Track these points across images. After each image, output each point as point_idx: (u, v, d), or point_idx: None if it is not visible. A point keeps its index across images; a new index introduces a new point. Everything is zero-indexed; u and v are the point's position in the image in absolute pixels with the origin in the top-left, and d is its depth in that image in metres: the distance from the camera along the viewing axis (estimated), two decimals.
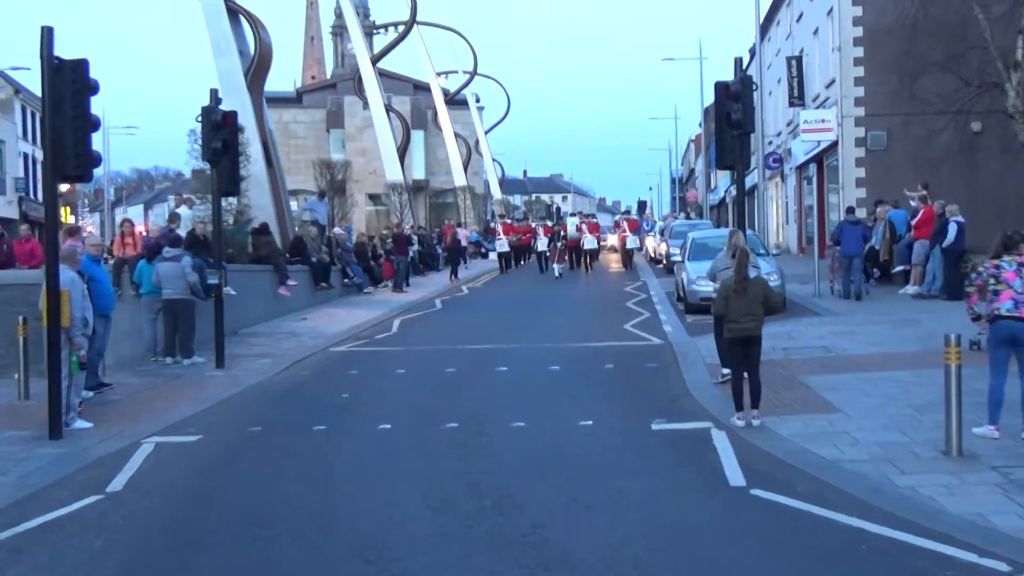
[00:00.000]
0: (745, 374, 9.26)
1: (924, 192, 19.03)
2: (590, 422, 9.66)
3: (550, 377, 12.45)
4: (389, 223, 36.92)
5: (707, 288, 17.61)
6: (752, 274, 9.44)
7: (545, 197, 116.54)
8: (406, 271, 27.12)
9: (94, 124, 9.42)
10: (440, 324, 19.34)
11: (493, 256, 36.35)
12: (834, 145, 27.10)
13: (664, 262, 32.46)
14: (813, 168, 32.06)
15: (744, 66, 13.46)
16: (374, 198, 53.66)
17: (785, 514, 6.69)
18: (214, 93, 13.74)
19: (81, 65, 9.31)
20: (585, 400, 10.84)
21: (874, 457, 7.91)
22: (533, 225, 41.44)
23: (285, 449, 9.15)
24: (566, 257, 32.04)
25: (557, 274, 29.25)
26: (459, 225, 42.64)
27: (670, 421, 9.59)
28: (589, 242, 31.98)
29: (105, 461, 8.89)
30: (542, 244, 32.31)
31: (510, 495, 7.33)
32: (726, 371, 11.21)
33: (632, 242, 33.86)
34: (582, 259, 32.26)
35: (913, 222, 19.00)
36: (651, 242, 37.97)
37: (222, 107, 13.97)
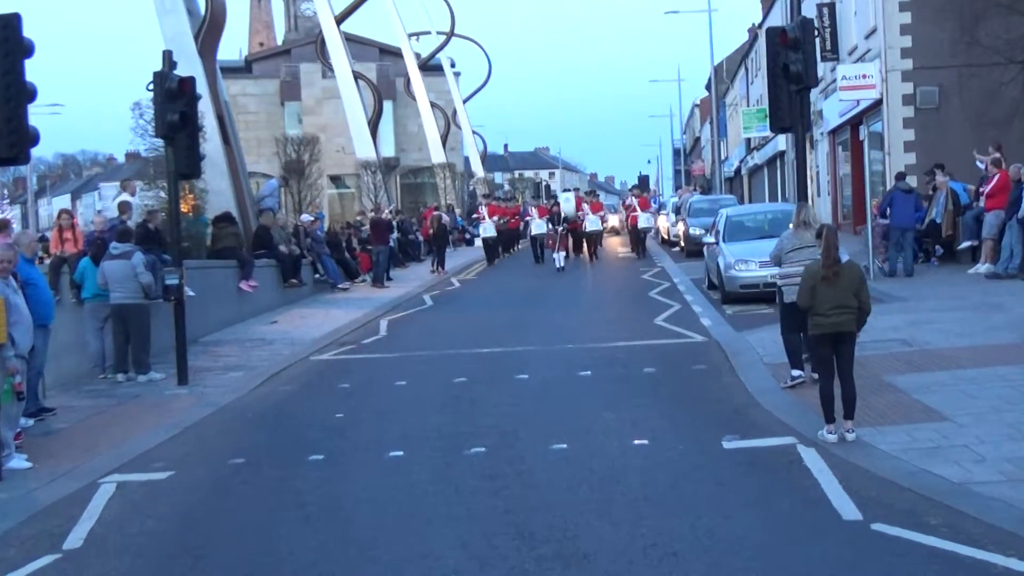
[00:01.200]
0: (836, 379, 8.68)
1: (997, 155, 18.47)
2: (646, 441, 9.21)
3: (583, 385, 12.07)
4: (363, 208, 36.18)
5: (749, 274, 17.41)
6: (843, 257, 8.82)
7: (530, 174, 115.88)
8: (387, 263, 26.62)
9: (30, 94, 8.70)
10: (436, 324, 19.14)
11: (479, 243, 35.00)
12: (876, 105, 26.66)
13: (682, 244, 32.10)
14: (849, 132, 31.58)
15: (793, 7, 12.89)
16: (336, 180, 52.98)
17: (921, 555, 6.13)
18: (168, 55, 13.11)
19: (12, 21, 8.55)
20: (632, 413, 10.40)
21: (1011, 477, 7.34)
22: (523, 205, 40.56)
23: (279, 486, 8.60)
24: (568, 244, 30.65)
25: (559, 265, 27.59)
26: (446, 209, 41.93)
27: (744, 437, 9.11)
28: (591, 223, 30.85)
29: (57, 509, 8.27)
30: (536, 227, 30.82)
31: (570, 539, 6.74)
32: (796, 373, 10.82)
33: (645, 221, 32.20)
34: (584, 244, 31.41)
35: (984, 190, 18.46)
36: (663, 222, 37.42)
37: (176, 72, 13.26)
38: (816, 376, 10.35)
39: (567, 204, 31.12)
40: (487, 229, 31.54)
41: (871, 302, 8.91)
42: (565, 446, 9.12)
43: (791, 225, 11.17)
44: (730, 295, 18.00)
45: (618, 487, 7.88)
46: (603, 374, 12.56)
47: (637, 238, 32.15)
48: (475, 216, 37.89)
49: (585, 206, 31.31)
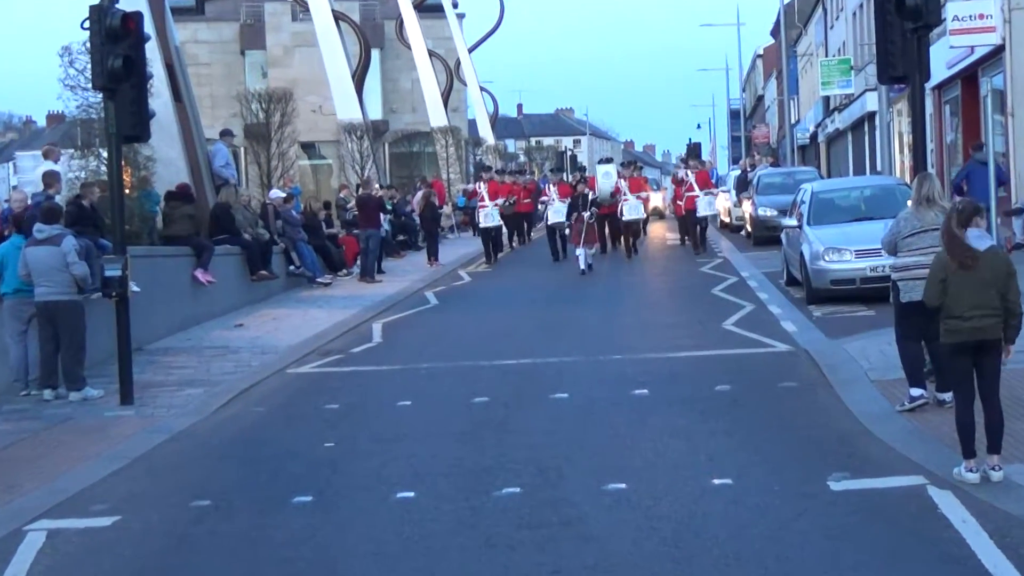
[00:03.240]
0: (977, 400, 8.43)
1: None
2: (728, 480, 9.02)
3: (639, 407, 11.94)
4: (345, 182, 35.95)
5: (843, 265, 17.44)
6: (984, 243, 8.49)
7: (550, 141, 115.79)
8: (378, 251, 26.40)
9: None
10: (444, 328, 19.26)
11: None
12: (996, 52, 26.35)
13: (748, 229, 31.79)
14: (959, 88, 31.28)
15: None
16: (309, 148, 52.78)
17: None
18: None
19: None
20: (707, 443, 10.27)
21: None
22: (538, 181, 39.46)
23: (255, 536, 8.42)
24: (602, 235, 28.49)
25: (583, 265, 25.15)
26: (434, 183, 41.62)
27: (855, 475, 8.91)
28: (632, 209, 28.86)
29: None
30: (556, 214, 28.61)
31: None
32: (917, 392, 10.65)
33: (707, 206, 29.43)
34: (620, 236, 29.45)
35: None
36: (722, 201, 37.11)
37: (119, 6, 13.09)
38: (944, 397, 10.16)
39: (605, 180, 29.30)
40: (488, 216, 29.67)
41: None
42: (624, 486, 8.95)
43: (909, 202, 10.98)
44: (817, 293, 17.95)
45: (698, 541, 7.68)
46: (664, 393, 12.48)
47: (695, 228, 29.19)
48: (469, 198, 34.95)
49: (622, 184, 29.29)
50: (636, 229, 30.23)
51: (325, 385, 14.40)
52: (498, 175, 34.07)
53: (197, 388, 14.26)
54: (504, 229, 31.87)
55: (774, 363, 13.83)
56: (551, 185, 30.99)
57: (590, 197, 27.33)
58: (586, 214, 26.21)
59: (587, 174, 34.03)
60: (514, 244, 34.07)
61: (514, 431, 11.19)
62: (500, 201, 30.48)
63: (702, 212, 29.13)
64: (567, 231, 27.50)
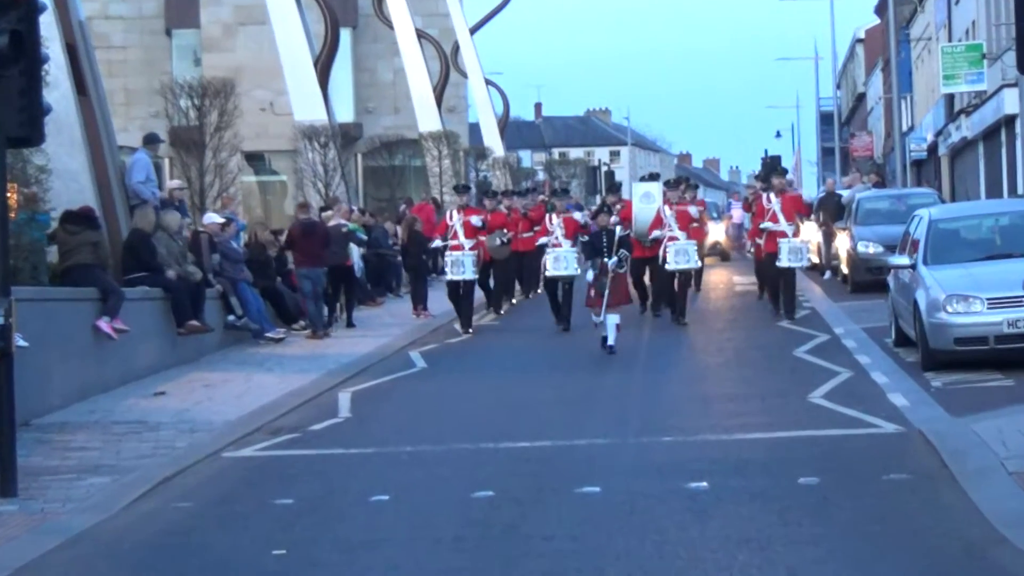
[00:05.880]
0: None
1: None
2: None
3: (695, 506, 11.98)
4: (304, 201, 36.01)
5: (972, 319, 17.42)
6: None
7: (578, 153, 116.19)
8: (331, 299, 27.18)
9: None
10: (435, 400, 19.53)
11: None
12: None
13: (843, 270, 31.88)
14: None
15: None
16: (256, 160, 52.96)
17: None
18: None
19: None
20: (787, 555, 10.27)
21: None
22: (542, 204, 35.29)
23: None
24: (626, 292, 24.33)
25: (610, 342, 22.59)
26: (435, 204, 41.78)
27: None
28: (679, 254, 26.20)
29: None
30: (556, 263, 26.55)
31: None
32: None
33: (793, 254, 26.34)
34: (664, 291, 27.43)
35: None
36: (809, 231, 37.09)
37: None
38: None
39: (644, 206, 27.46)
40: (458, 267, 27.02)
41: None
42: None
43: None
44: (937, 355, 18.03)
45: None
46: (729, 488, 12.54)
47: (779, 280, 26.89)
48: (435, 234, 29.95)
49: (667, 213, 26.85)
50: (687, 282, 27.74)
51: (275, 473, 14.43)
52: (489, 199, 32.14)
53: (103, 476, 14.21)
54: (491, 280, 30.57)
55: (878, 448, 13.84)
56: (555, 217, 27.77)
57: (617, 233, 24.23)
58: (611, 261, 23.31)
59: (616, 196, 31.51)
60: (515, 299, 33.23)
61: (528, 536, 11.19)
62: (494, 237, 28.55)
63: (786, 263, 26.31)
64: (587, 291, 23.92)
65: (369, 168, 57.09)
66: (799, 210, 27.57)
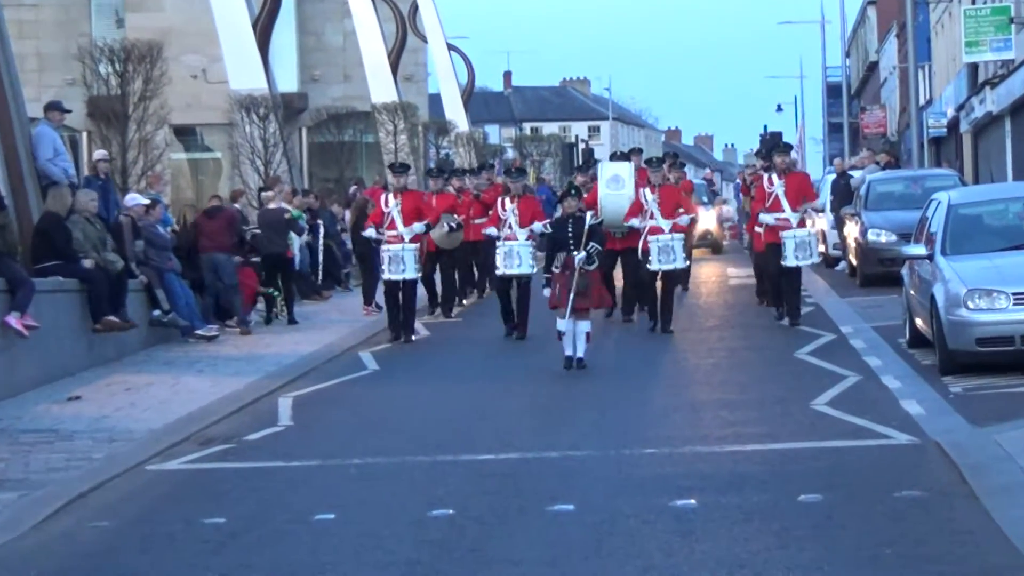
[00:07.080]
0: None
1: None
2: None
3: (683, 526, 11.99)
4: (242, 187, 36.13)
5: (996, 316, 17.76)
6: None
7: (552, 128, 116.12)
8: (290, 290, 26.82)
9: None
10: (387, 406, 19.64)
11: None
12: None
13: (852, 260, 32.06)
14: None
15: None
16: (186, 134, 52.92)
17: None
18: None
19: None
20: None
21: None
22: (531, 188, 35.64)
23: None
24: (599, 294, 22.52)
25: (572, 350, 21.22)
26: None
27: None
28: (663, 251, 25.16)
29: None
30: (508, 259, 25.41)
31: None
32: None
33: (800, 251, 25.16)
34: (642, 292, 26.57)
35: None
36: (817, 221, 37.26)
37: None
38: None
39: (613, 190, 26.34)
40: (396, 264, 25.68)
41: None
42: None
43: None
44: (957, 357, 18.11)
45: None
46: (721, 506, 12.53)
47: (781, 280, 25.93)
48: (370, 223, 27.64)
49: (647, 197, 25.67)
50: (672, 283, 26.72)
51: (205, 489, 14.40)
52: (433, 178, 31.31)
53: (9, 492, 14.22)
54: (437, 278, 29.52)
55: (888, 462, 13.85)
56: (508, 200, 26.52)
57: (587, 222, 22.61)
58: (579, 255, 21.77)
59: (587, 176, 29.98)
60: (466, 300, 32.16)
61: (493, 560, 11.18)
62: (442, 223, 27.77)
63: (792, 261, 25.20)
64: (552, 288, 22.09)
65: (315, 144, 57.13)
66: (806, 194, 26.29)
